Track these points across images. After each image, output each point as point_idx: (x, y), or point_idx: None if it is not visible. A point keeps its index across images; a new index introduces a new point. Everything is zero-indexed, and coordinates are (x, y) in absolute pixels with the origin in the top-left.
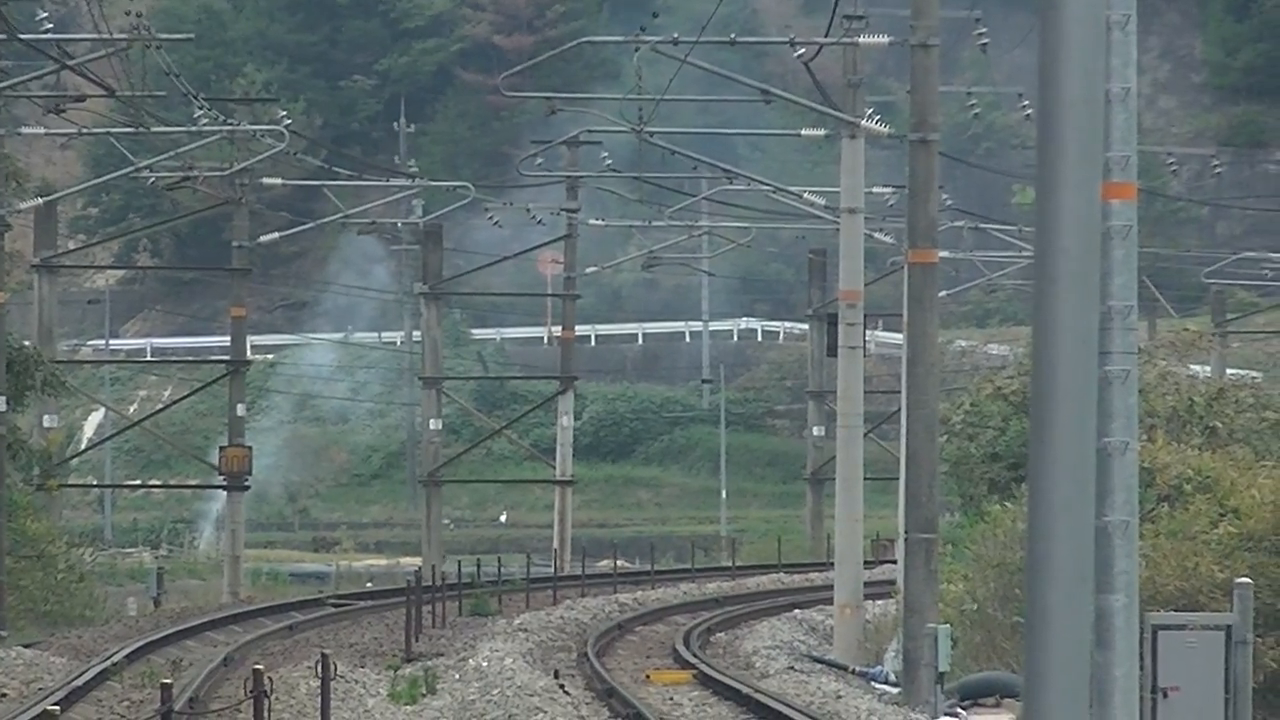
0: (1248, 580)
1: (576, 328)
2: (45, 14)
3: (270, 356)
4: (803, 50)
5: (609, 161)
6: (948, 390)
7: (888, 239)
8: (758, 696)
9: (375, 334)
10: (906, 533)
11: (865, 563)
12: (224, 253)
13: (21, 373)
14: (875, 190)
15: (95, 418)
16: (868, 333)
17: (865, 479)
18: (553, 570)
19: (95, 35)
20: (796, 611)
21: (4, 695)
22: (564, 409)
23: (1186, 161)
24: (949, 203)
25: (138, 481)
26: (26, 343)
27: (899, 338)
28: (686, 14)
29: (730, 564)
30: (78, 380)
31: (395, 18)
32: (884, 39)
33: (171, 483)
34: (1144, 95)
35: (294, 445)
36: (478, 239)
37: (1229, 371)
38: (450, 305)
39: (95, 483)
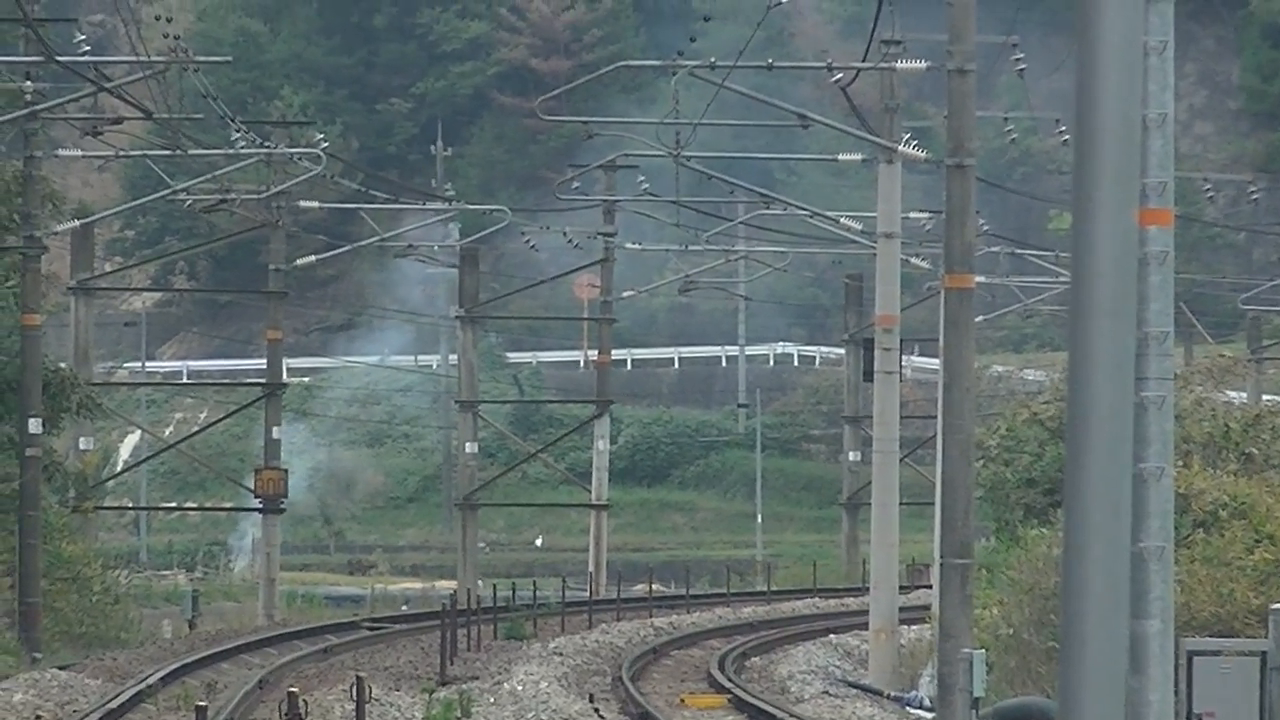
0: None
1: (613, 352)
2: (83, 36)
3: (307, 380)
4: (840, 75)
5: (645, 185)
6: (984, 415)
7: (924, 264)
8: None
9: (412, 357)
10: (942, 558)
11: (900, 588)
12: (260, 275)
13: (58, 395)
14: (912, 215)
15: (131, 440)
16: (904, 358)
17: (901, 504)
18: (588, 594)
19: (132, 58)
20: (832, 636)
21: (39, 717)
22: (600, 433)
23: (1223, 187)
24: (985, 228)
25: (173, 504)
26: (63, 365)
27: (935, 363)
28: (723, 38)
29: (765, 588)
30: (114, 402)
31: (432, 41)
32: (921, 64)
33: (207, 505)
34: (1180, 121)
35: (329, 468)
36: (514, 263)
37: (1265, 397)
38: (486, 329)
39: (131, 505)
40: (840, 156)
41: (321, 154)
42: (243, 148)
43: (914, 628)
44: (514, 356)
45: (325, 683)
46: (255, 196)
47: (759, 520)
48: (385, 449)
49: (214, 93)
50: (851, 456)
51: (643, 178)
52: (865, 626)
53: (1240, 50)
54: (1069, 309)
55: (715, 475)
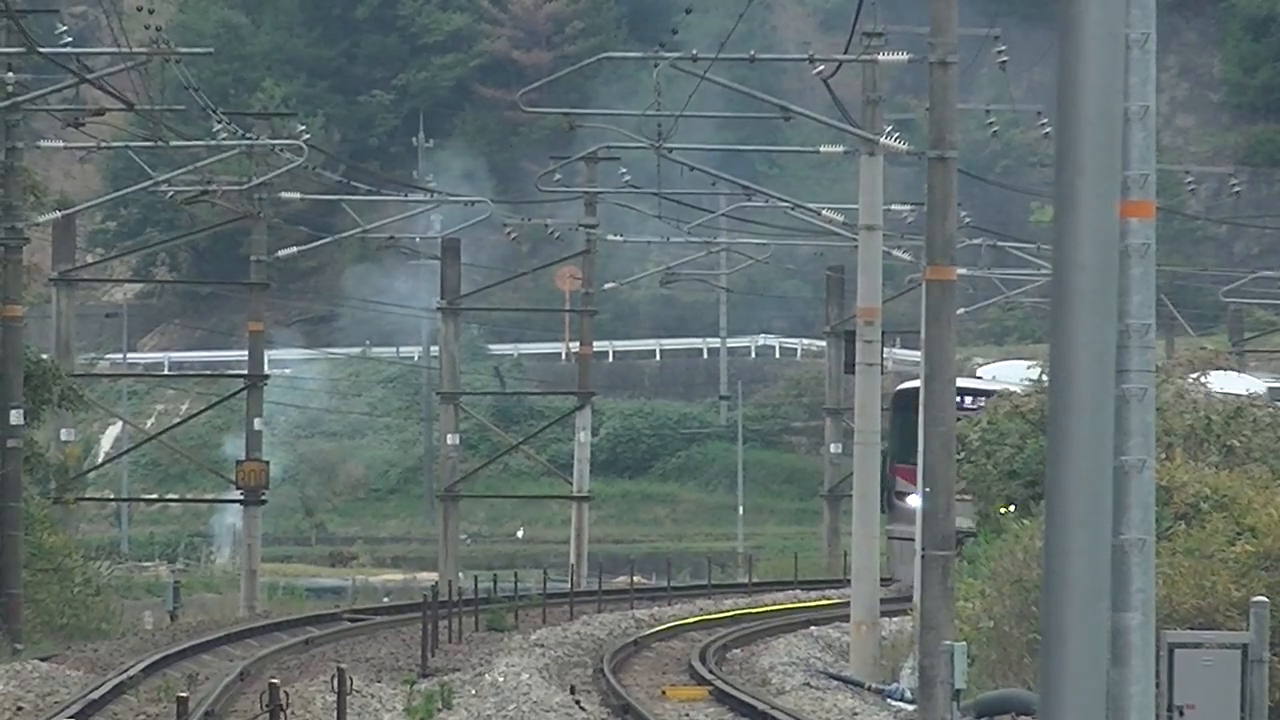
0: (1264, 599)
1: (594, 343)
2: (64, 28)
3: (288, 371)
4: (822, 67)
5: (627, 177)
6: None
7: (906, 256)
8: (774, 713)
9: (393, 349)
10: (923, 550)
11: (882, 580)
12: (242, 267)
13: (39, 386)
14: (893, 207)
15: (112, 431)
16: (885, 350)
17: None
18: (569, 586)
19: (114, 49)
20: (813, 628)
21: (20, 708)
22: (581, 425)
23: (1204, 180)
24: (967, 220)
25: (154, 495)
26: (44, 356)
27: (917, 355)
28: (705, 31)
29: (747, 580)
30: (95, 394)
31: (414, 33)
32: (903, 56)
33: (188, 497)
34: (1162, 114)
35: (310, 460)
36: (496, 254)
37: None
38: (468, 320)
39: (112, 496)
40: (822, 149)
41: (303, 145)
42: (224, 139)
43: (895, 620)
44: (495, 348)
45: (306, 674)
46: (237, 188)
47: (740, 512)
48: (367, 440)
49: (195, 84)
50: (833, 448)
51: (624, 170)
52: (846, 618)
53: (1222, 43)
54: (1051, 301)
55: (696, 467)
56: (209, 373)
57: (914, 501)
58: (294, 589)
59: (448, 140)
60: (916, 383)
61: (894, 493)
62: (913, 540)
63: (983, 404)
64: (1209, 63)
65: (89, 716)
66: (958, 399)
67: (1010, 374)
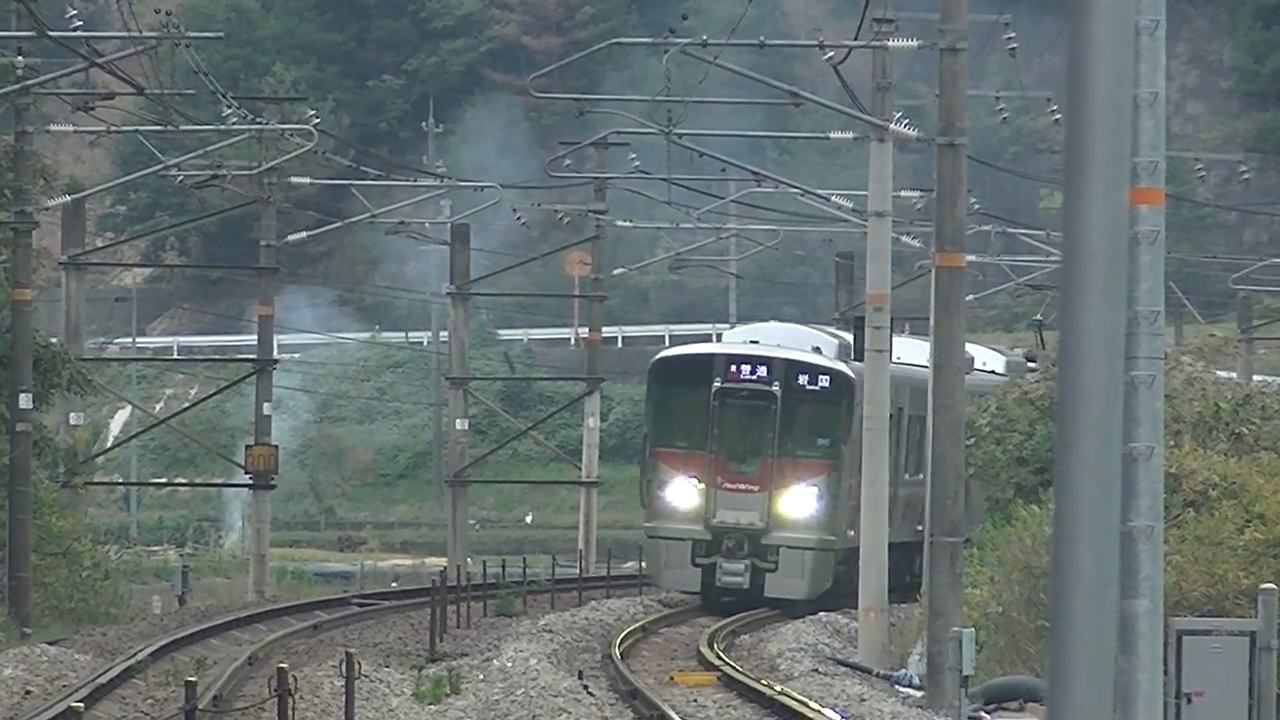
0: (1273, 586)
1: (603, 329)
2: (74, 11)
3: (297, 355)
4: (831, 53)
5: (637, 163)
6: (975, 394)
7: (915, 243)
8: (782, 699)
9: (403, 333)
10: (932, 536)
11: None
12: (251, 251)
13: (48, 370)
14: (903, 194)
15: (121, 415)
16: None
17: None
18: (578, 571)
19: (124, 33)
20: (821, 614)
21: (29, 692)
22: (590, 410)
23: (1214, 167)
24: (976, 207)
25: (163, 479)
26: (54, 340)
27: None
28: (715, 16)
29: None
30: (104, 378)
31: (424, 17)
32: (913, 42)
33: (197, 481)
34: (1172, 101)
35: (319, 444)
36: (505, 239)
37: (1255, 377)
38: (477, 305)
39: (121, 480)
40: (832, 135)
41: (313, 130)
42: (234, 124)
43: (903, 606)
44: (505, 333)
45: (315, 659)
46: (247, 173)
47: None
48: (376, 425)
49: (206, 68)
50: None
51: (634, 155)
52: (854, 605)
53: (1232, 30)
54: (1060, 288)
55: None
56: (218, 357)
57: (675, 493)
58: (303, 574)
59: (457, 125)
60: (675, 350)
61: (653, 482)
62: (678, 539)
63: (764, 373)
64: (1219, 50)
65: (97, 701)
66: (739, 368)
67: (774, 337)
